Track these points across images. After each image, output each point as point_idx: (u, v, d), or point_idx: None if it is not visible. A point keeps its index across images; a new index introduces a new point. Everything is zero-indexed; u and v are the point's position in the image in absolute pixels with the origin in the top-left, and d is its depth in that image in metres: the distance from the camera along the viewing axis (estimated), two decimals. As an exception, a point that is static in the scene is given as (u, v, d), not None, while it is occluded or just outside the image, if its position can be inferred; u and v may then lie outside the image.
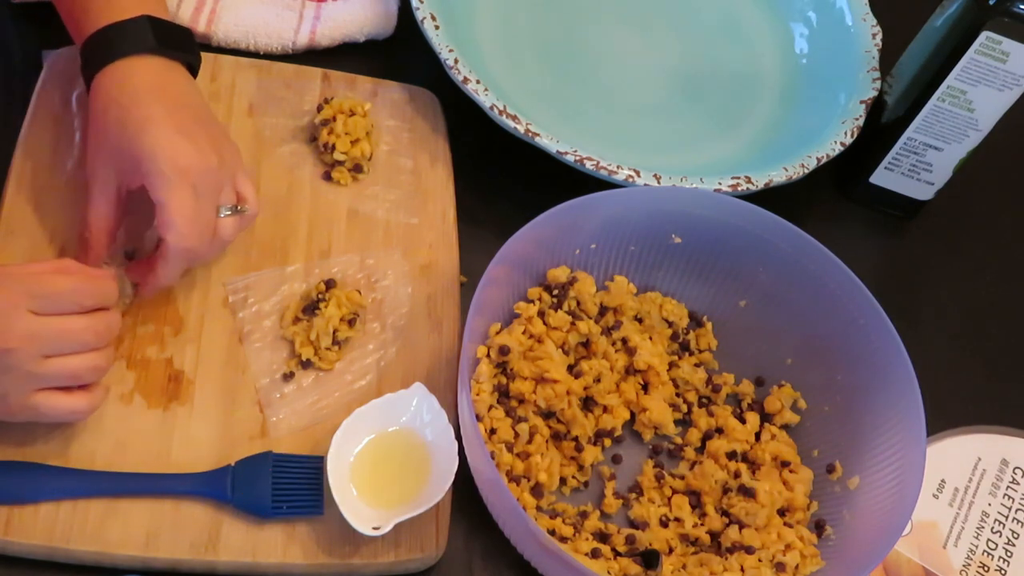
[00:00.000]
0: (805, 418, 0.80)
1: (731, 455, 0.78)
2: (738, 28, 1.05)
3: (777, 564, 0.72)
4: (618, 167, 0.83)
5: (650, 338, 0.81)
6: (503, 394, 0.75)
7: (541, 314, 0.79)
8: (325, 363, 0.76)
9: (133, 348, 0.73)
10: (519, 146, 0.86)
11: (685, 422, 0.81)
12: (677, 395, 0.80)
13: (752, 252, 0.80)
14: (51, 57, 0.83)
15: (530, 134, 0.83)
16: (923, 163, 0.92)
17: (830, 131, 0.91)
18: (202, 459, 0.70)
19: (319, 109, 0.85)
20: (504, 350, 0.75)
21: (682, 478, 0.78)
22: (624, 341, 0.80)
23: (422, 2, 0.89)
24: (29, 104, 0.81)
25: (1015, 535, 0.82)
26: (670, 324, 0.83)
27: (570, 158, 0.83)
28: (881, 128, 0.93)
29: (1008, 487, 0.84)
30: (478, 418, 0.73)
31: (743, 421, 0.80)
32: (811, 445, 0.79)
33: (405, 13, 0.94)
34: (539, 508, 0.74)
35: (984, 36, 0.82)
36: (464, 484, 0.71)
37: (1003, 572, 0.80)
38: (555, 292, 0.79)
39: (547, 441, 0.76)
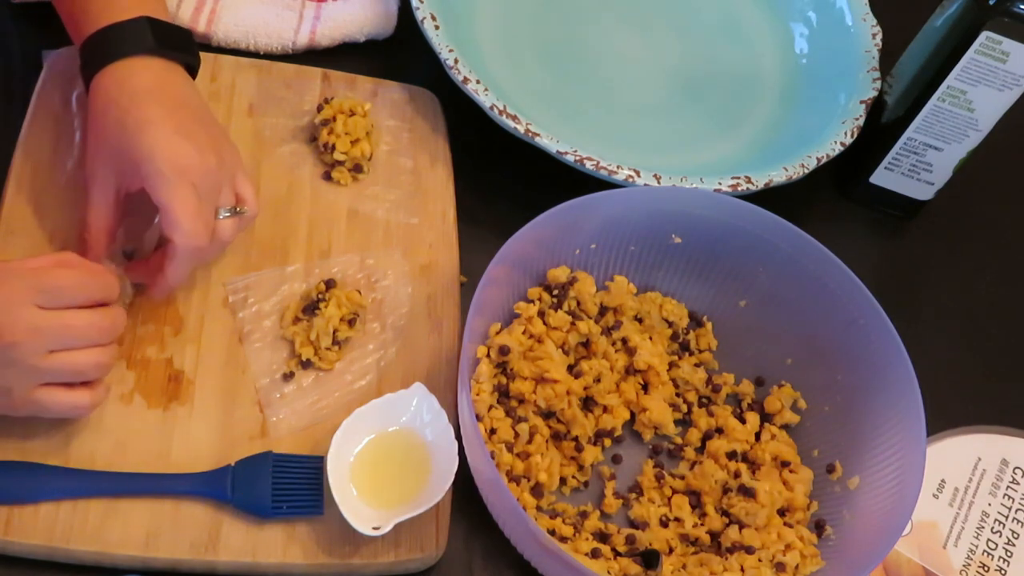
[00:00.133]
0: (805, 418, 0.80)
1: (731, 455, 0.78)
2: (738, 28, 1.05)
3: (777, 564, 0.72)
4: (618, 167, 0.83)
5: (650, 338, 0.81)
6: (503, 394, 0.75)
7: (541, 314, 0.79)
8: (325, 363, 0.75)
9: (133, 348, 0.73)
10: (519, 146, 0.86)
11: (685, 422, 0.81)
12: (677, 395, 0.80)
13: (752, 252, 0.80)
14: (51, 57, 0.83)
15: (530, 134, 0.83)
16: (923, 163, 0.92)
17: (830, 131, 0.91)
18: (202, 459, 0.70)
19: (319, 109, 0.85)
20: (504, 350, 0.75)
21: (682, 478, 0.78)
22: (624, 341, 0.80)
23: (422, 2, 0.88)
24: (29, 104, 0.81)
25: (1015, 535, 0.82)
26: (670, 324, 0.83)
27: (570, 158, 0.83)
28: (881, 128, 0.93)
29: (1008, 487, 0.84)
30: (478, 418, 0.73)
31: (743, 421, 0.80)
32: (811, 445, 0.79)
33: (405, 13, 0.94)
34: (539, 508, 0.74)
35: (984, 36, 0.82)
36: (464, 484, 0.71)
37: (1003, 572, 0.80)
38: (555, 292, 0.79)
39: (547, 441, 0.76)
